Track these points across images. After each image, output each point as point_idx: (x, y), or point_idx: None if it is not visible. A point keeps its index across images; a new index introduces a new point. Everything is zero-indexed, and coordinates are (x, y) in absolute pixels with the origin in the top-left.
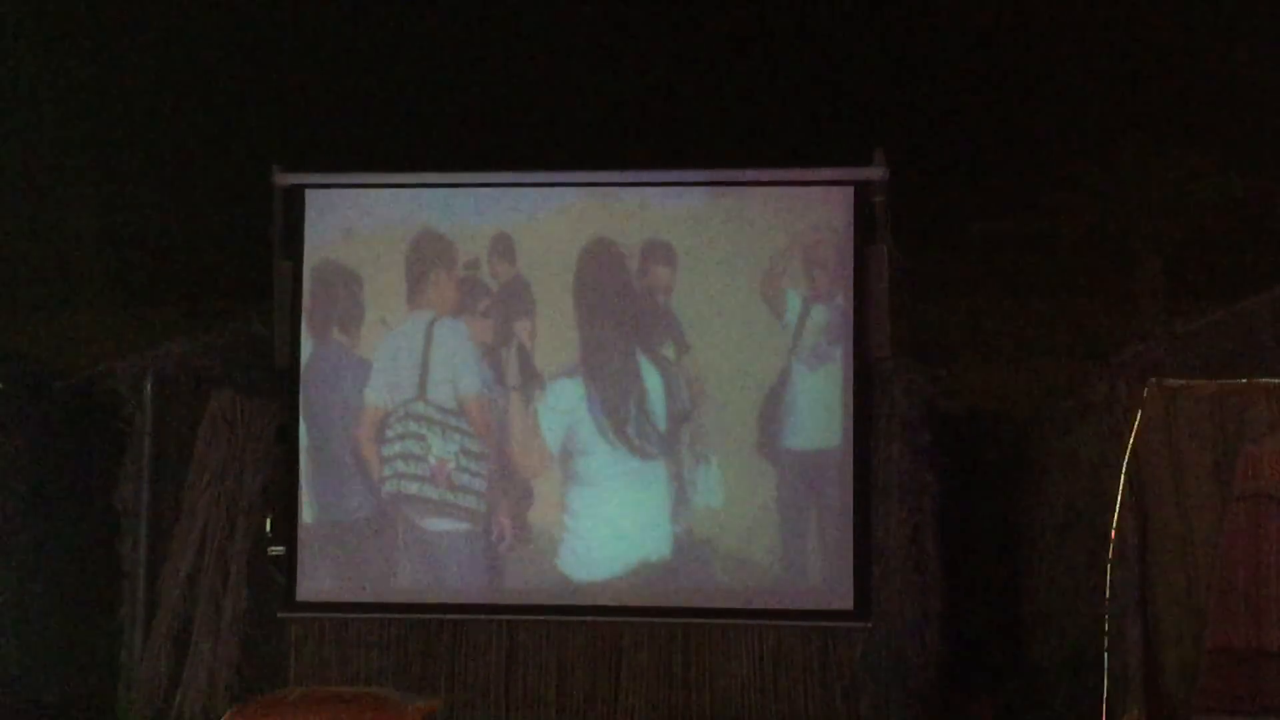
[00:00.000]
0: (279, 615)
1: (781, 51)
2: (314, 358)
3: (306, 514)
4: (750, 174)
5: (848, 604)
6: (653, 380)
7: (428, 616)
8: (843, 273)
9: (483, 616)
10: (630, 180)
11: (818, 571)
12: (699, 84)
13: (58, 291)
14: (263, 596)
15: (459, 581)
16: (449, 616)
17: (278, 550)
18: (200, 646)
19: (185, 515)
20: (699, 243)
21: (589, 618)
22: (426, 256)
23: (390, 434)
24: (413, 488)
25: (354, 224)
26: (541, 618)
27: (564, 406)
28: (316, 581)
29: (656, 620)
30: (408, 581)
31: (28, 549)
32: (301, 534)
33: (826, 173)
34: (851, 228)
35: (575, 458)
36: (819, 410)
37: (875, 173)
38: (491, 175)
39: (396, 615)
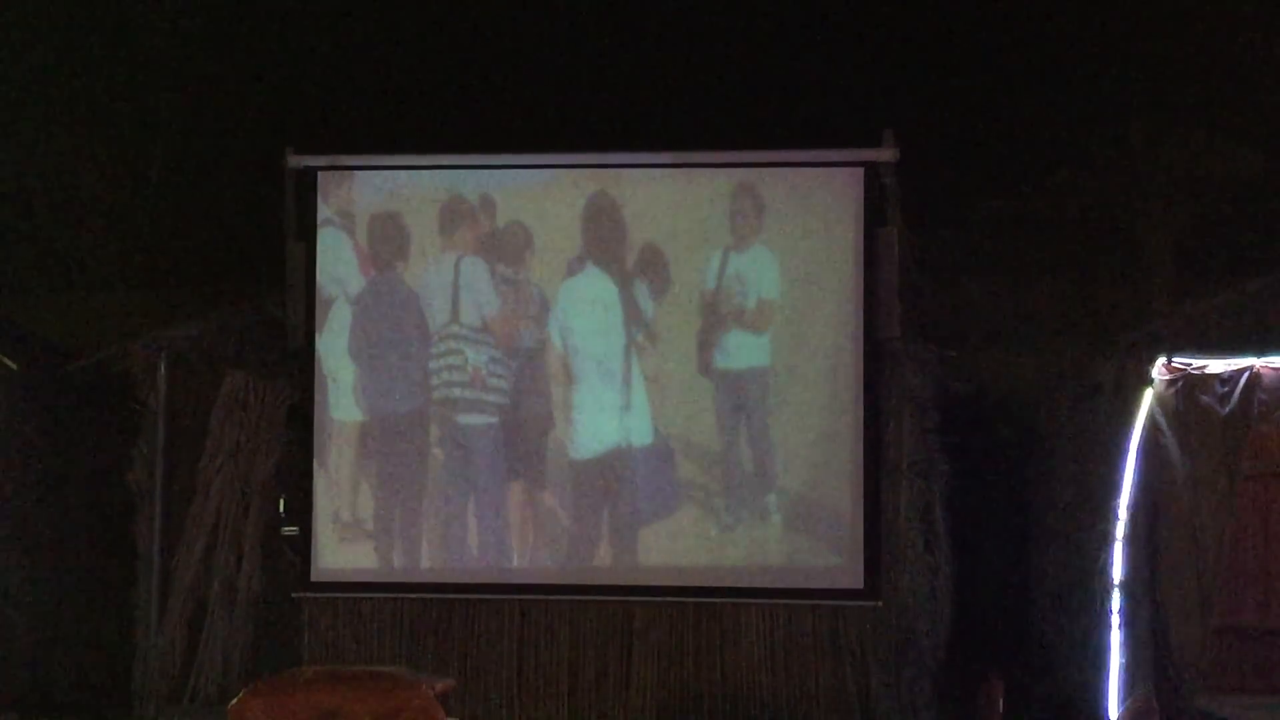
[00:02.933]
0: (293, 595)
1: (791, 34)
2: (370, 285)
3: (358, 413)
4: (761, 155)
5: (858, 583)
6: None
7: (441, 596)
8: (853, 254)
9: (495, 596)
10: (638, 162)
11: (828, 551)
12: (710, 67)
13: (72, 274)
14: (277, 576)
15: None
16: (462, 596)
17: (291, 530)
18: (215, 626)
19: (199, 496)
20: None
21: (601, 597)
22: (453, 211)
23: (434, 350)
24: (455, 392)
25: (395, 185)
26: (554, 597)
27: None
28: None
29: (668, 600)
30: (429, 552)
31: (43, 529)
32: (348, 436)
33: (836, 154)
34: (862, 209)
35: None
36: (829, 390)
37: (885, 154)
38: (504, 157)
39: (410, 595)
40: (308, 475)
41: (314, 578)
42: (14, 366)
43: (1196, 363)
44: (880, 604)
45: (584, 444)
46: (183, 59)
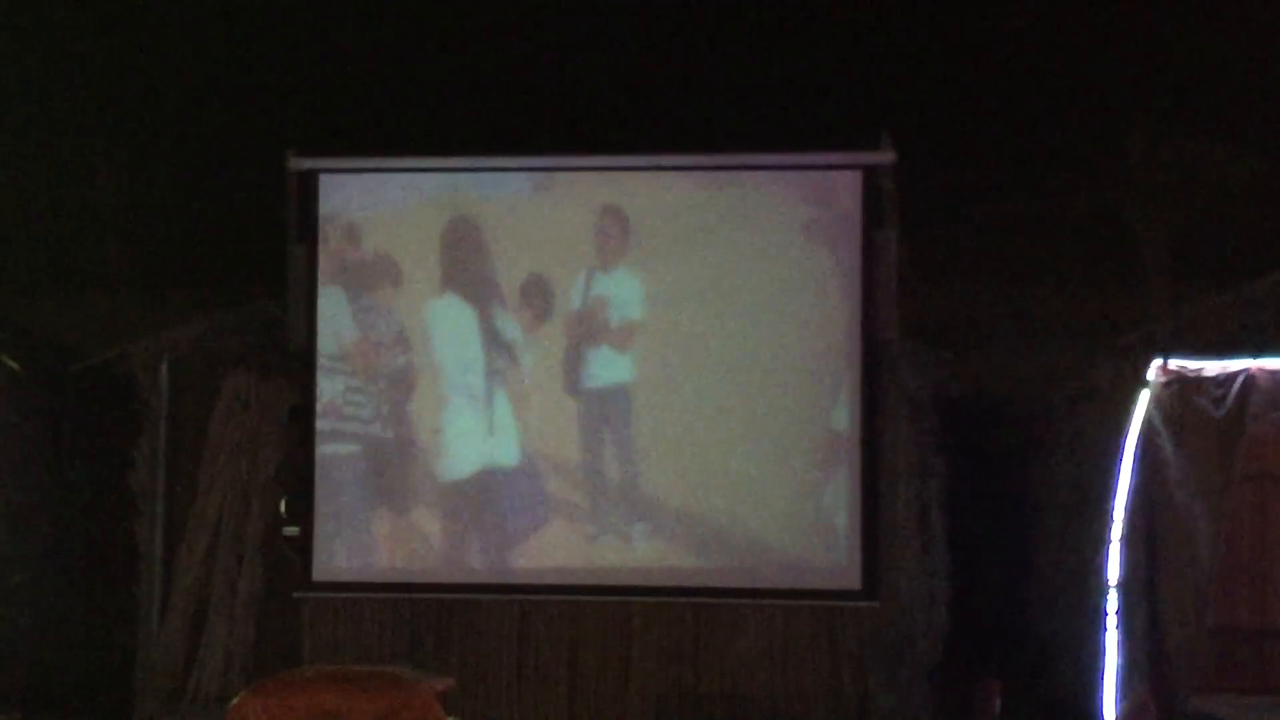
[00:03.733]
0: (294, 595)
1: (789, 37)
2: None
3: None
4: (759, 158)
5: (856, 584)
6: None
7: (440, 596)
8: (851, 256)
9: (495, 596)
10: (638, 164)
11: (826, 551)
12: (709, 70)
13: (74, 275)
14: (277, 577)
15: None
16: (461, 596)
17: (292, 531)
18: (215, 626)
19: (200, 496)
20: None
21: (600, 597)
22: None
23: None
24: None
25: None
26: (553, 597)
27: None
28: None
29: (666, 600)
30: (421, 558)
31: (45, 529)
32: None
33: (834, 157)
34: (860, 211)
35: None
36: (826, 392)
37: (883, 157)
38: (505, 160)
39: (409, 595)
40: (309, 475)
41: (315, 578)
42: (16, 367)
43: (1192, 365)
44: (878, 604)
45: (452, 465)
46: (185, 61)
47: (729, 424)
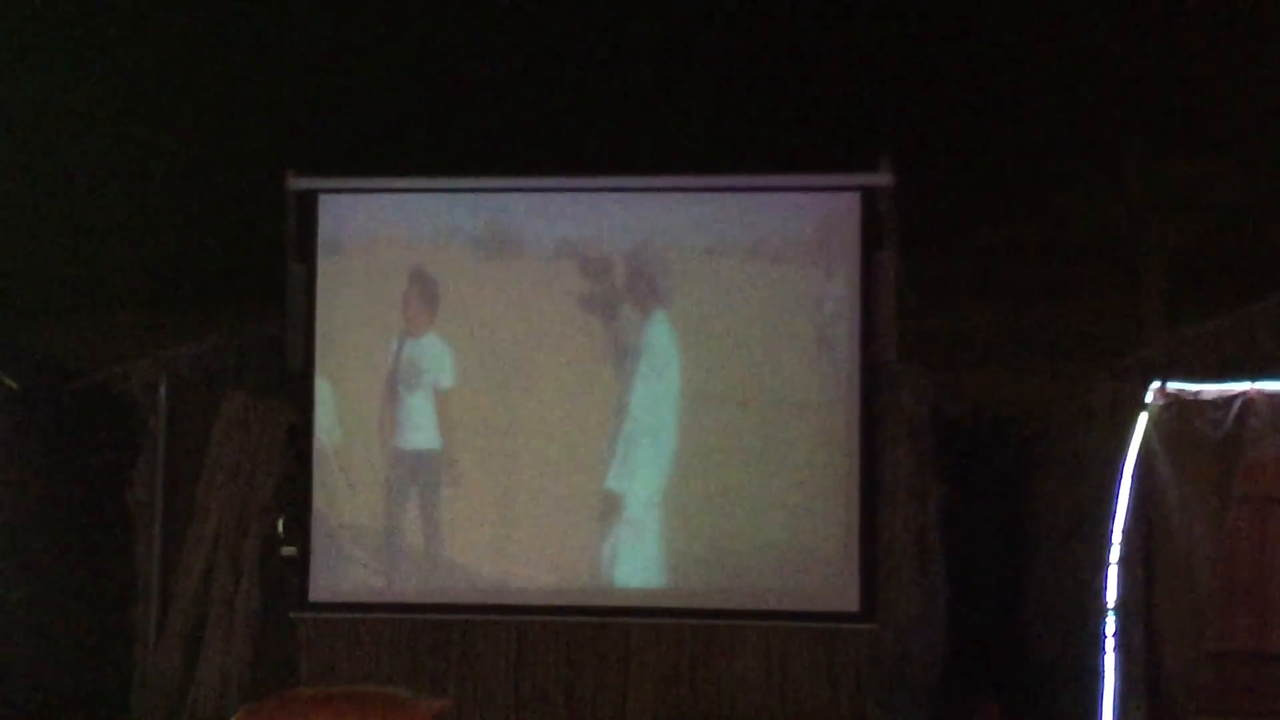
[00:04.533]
0: (290, 615)
1: (789, 58)
2: None
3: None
4: (758, 180)
5: (853, 606)
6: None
7: (438, 617)
8: (850, 278)
9: (492, 617)
10: (635, 186)
11: (824, 573)
12: (708, 90)
13: (74, 294)
14: (274, 596)
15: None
16: (459, 617)
17: (290, 550)
18: (212, 646)
19: (198, 516)
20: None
21: (597, 618)
22: None
23: None
24: None
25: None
26: (550, 618)
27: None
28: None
29: (664, 621)
30: (418, 579)
31: (43, 549)
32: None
33: (833, 178)
34: (859, 233)
35: None
36: (825, 413)
37: (882, 178)
38: (497, 181)
39: (407, 615)
40: (306, 496)
41: (312, 597)
42: (15, 386)
43: (1191, 387)
44: (876, 626)
45: None
46: (185, 80)
47: (726, 444)
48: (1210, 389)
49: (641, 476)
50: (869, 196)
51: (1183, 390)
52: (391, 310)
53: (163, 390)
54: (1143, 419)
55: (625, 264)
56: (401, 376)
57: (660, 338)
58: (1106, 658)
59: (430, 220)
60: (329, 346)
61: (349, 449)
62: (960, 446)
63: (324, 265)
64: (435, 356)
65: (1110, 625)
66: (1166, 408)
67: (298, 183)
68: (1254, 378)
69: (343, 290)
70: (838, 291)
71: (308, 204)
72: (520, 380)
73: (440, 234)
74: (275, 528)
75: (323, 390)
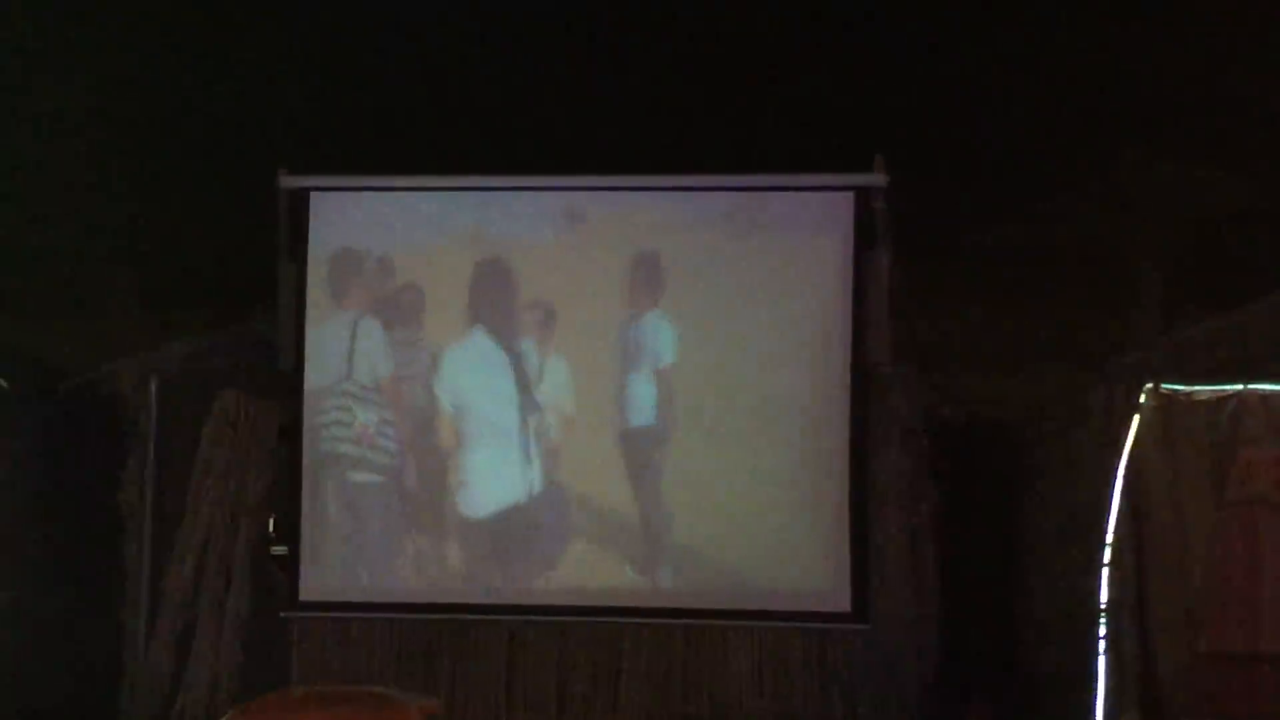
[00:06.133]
0: (281, 615)
1: (781, 57)
2: None
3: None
4: (749, 180)
5: (845, 607)
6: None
7: (429, 617)
8: (842, 279)
9: (484, 617)
10: (627, 185)
11: (816, 574)
12: (698, 90)
13: (62, 292)
14: (265, 596)
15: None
16: (450, 616)
17: (280, 550)
18: (203, 646)
19: (189, 516)
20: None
21: (589, 618)
22: (349, 271)
23: (324, 405)
24: (342, 447)
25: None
26: (542, 618)
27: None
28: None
29: (656, 621)
30: (409, 579)
31: (31, 549)
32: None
33: (826, 178)
34: (851, 234)
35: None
36: (817, 415)
37: (875, 179)
38: (490, 179)
39: (398, 615)
40: (297, 495)
41: (302, 597)
42: (3, 385)
43: (1184, 389)
44: (868, 628)
45: (477, 503)
46: (175, 78)
47: (717, 447)
48: (1204, 391)
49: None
50: (862, 197)
51: (1176, 392)
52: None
53: (153, 390)
54: (1136, 421)
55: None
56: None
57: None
58: (1098, 660)
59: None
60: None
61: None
62: (953, 449)
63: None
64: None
65: (1102, 627)
66: (1159, 409)
67: (289, 181)
68: (1247, 380)
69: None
70: (830, 293)
71: (299, 202)
72: None
73: None
74: (266, 527)
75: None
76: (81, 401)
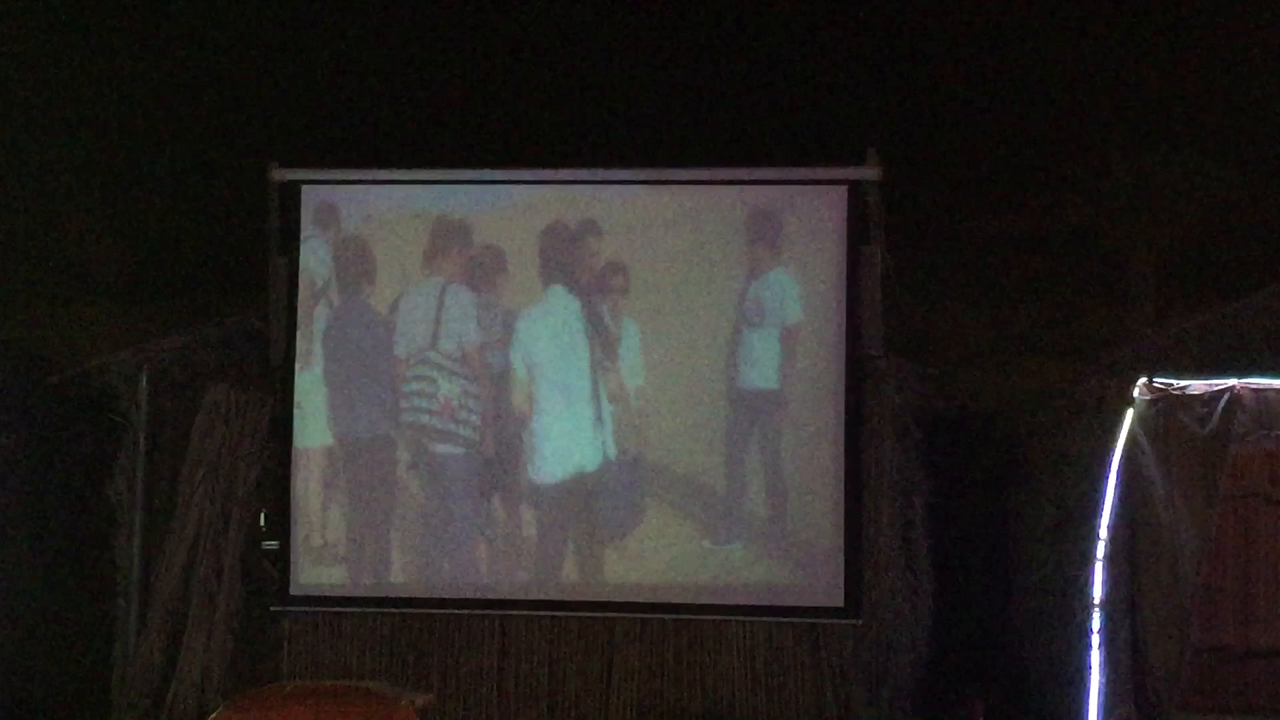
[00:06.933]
0: (272, 609)
1: (776, 52)
2: (339, 311)
3: (329, 437)
4: (745, 173)
5: (838, 601)
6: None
7: (420, 611)
8: (836, 272)
9: (475, 612)
10: (620, 178)
11: (809, 568)
12: (695, 84)
13: (54, 286)
14: (256, 590)
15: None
16: (441, 611)
17: (271, 544)
18: (194, 640)
19: (179, 509)
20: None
21: (581, 613)
22: (437, 236)
23: (408, 374)
24: (425, 419)
25: (371, 209)
26: (534, 613)
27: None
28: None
29: (648, 616)
30: (404, 567)
31: (22, 542)
32: (316, 461)
33: (820, 172)
34: (845, 227)
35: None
36: (812, 406)
37: (869, 172)
38: (484, 172)
39: (389, 610)
40: (287, 489)
41: (293, 592)
42: None
43: (1177, 383)
44: (861, 622)
45: (550, 468)
46: (168, 72)
47: (711, 439)
48: (1197, 384)
49: None
50: (856, 190)
51: (1169, 386)
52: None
53: (144, 383)
54: (1129, 415)
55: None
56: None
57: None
58: (1092, 653)
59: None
60: None
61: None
62: (946, 441)
63: None
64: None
65: (1096, 621)
66: (1153, 403)
67: (280, 174)
68: (1240, 373)
69: None
70: (824, 286)
71: (290, 195)
72: None
73: None
74: (257, 521)
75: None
76: (72, 394)
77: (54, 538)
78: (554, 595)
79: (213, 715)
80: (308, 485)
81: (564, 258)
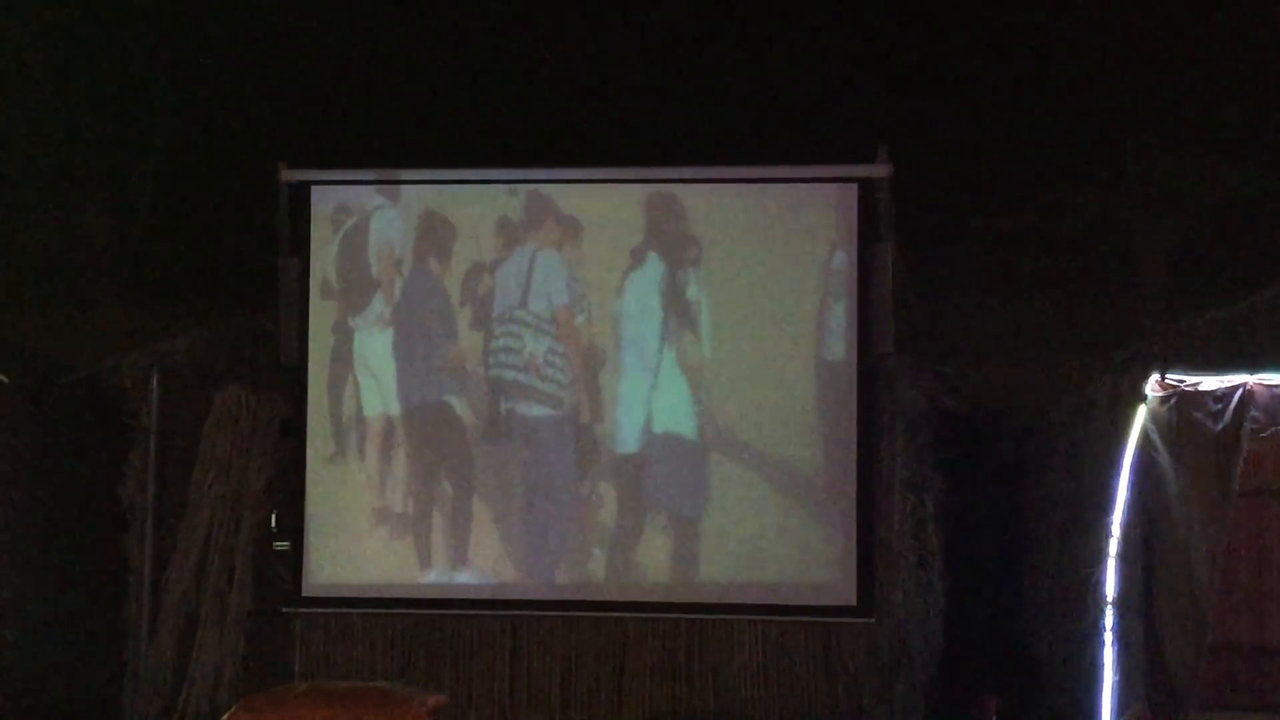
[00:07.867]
0: (284, 610)
1: (786, 50)
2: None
3: (396, 407)
4: (755, 171)
5: (851, 599)
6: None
7: (432, 612)
8: (847, 269)
9: (487, 612)
10: (634, 177)
11: (821, 567)
12: (705, 82)
13: (65, 287)
14: (268, 591)
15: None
16: (453, 612)
17: (283, 545)
18: (206, 641)
19: (191, 510)
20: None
21: (593, 613)
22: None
23: (496, 331)
24: (510, 374)
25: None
26: (545, 613)
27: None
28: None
29: (660, 615)
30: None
31: (34, 544)
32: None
33: (830, 170)
34: (856, 224)
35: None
36: (825, 407)
37: (879, 170)
38: (493, 171)
39: (401, 610)
40: (300, 490)
41: (305, 593)
42: (5, 380)
43: (1190, 379)
44: (873, 620)
45: (625, 438)
46: (177, 73)
47: (725, 436)
48: (1210, 381)
49: None
50: (866, 188)
51: (1182, 382)
52: None
53: (154, 384)
54: (1142, 411)
55: None
56: None
57: None
58: (1105, 651)
59: None
60: None
61: None
62: (958, 439)
63: None
64: None
65: (1109, 619)
66: (1165, 400)
67: (290, 175)
68: (1253, 370)
69: None
70: (834, 283)
71: (300, 196)
72: None
73: None
74: (268, 522)
75: None
76: (83, 396)
77: (65, 539)
78: (568, 595)
79: (225, 716)
80: (374, 450)
81: (659, 234)
